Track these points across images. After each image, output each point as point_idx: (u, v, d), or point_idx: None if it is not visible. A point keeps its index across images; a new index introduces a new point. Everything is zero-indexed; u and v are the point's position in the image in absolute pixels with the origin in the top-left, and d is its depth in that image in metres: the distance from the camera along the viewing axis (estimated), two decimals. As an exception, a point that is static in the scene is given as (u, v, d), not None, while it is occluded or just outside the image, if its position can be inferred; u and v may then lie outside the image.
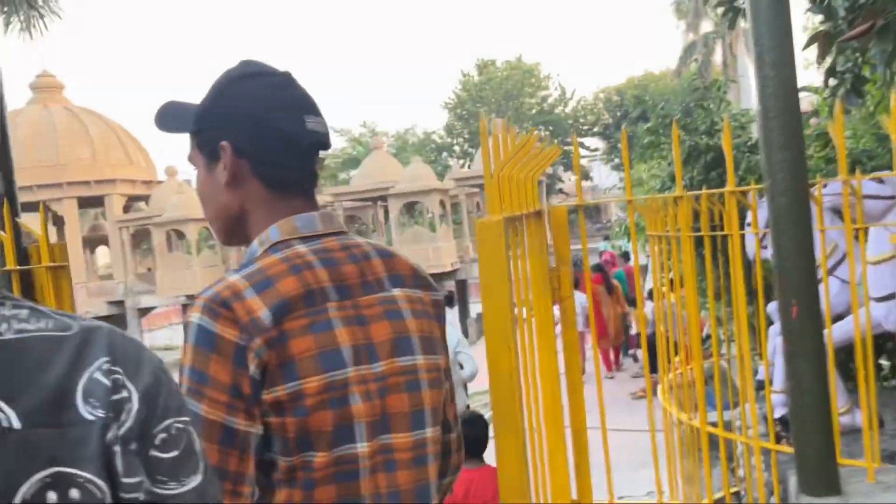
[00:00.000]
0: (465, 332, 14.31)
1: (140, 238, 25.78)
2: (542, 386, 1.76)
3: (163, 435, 0.75)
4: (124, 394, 0.72)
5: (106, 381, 0.72)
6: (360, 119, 62.69)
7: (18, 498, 0.65)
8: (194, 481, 0.76)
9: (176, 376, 1.04)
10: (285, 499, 1.12)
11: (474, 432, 3.60)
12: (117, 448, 0.70)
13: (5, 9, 8.32)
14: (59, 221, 25.66)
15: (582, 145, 42.63)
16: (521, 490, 1.52)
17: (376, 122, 52.87)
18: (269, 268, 1.13)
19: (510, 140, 1.53)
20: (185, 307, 22.91)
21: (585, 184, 42.18)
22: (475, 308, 19.38)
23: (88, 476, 0.68)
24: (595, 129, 43.70)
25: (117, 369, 0.73)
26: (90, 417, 0.70)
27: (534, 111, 42.31)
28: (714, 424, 3.35)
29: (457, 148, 42.95)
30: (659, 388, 4.15)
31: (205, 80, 1.27)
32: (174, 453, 0.75)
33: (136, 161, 26.93)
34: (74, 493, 0.67)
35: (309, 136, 1.19)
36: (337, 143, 45.41)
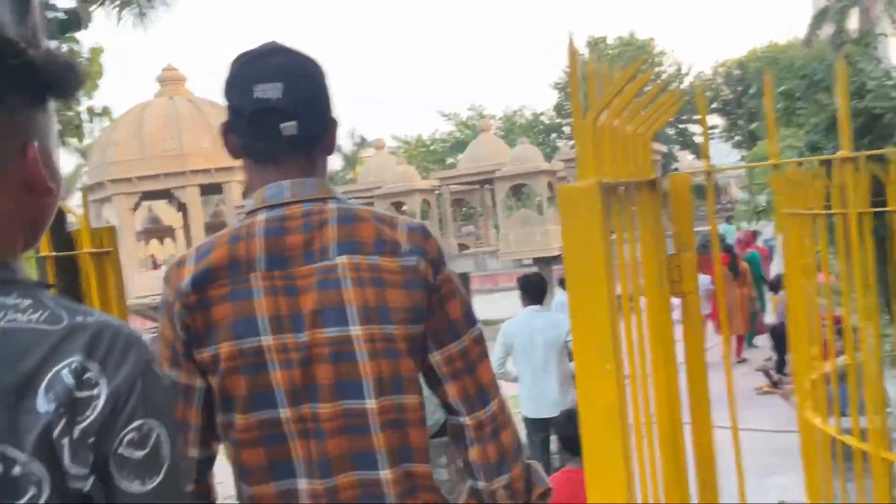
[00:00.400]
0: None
1: (256, 223, 26.71)
2: (658, 413, 1.33)
3: (130, 435, 0.79)
4: (94, 391, 0.77)
5: (69, 380, 0.76)
6: (468, 102, 62.52)
7: None
8: (154, 482, 0.80)
9: None
10: (224, 452, 1.23)
11: (575, 431, 3.26)
12: (65, 441, 0.76)
13: (117, 2, 8.54)
14: (183, 208, 26.96)
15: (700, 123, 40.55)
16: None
17: (484, 105, 52.42)
18: (218, 238, 1.22)
19: (613, 76, 1.12)
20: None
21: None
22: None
23: (27, 459, 0.74)
24: (714, 106, 41.47)
25: (90, 367, 0.77)
26: (42, 410, 0.75)
27: (647, 89, 40.61)
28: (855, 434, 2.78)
29: (566, 129, 41.87)
30: (791, 389, 3.56)
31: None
32: (140, 453, 0.79)
33: (252, 149, 27.85)
34: (17, 470, 0.74)
35: (253, 103, 1.20)
36: (444, 126, 45.51)
